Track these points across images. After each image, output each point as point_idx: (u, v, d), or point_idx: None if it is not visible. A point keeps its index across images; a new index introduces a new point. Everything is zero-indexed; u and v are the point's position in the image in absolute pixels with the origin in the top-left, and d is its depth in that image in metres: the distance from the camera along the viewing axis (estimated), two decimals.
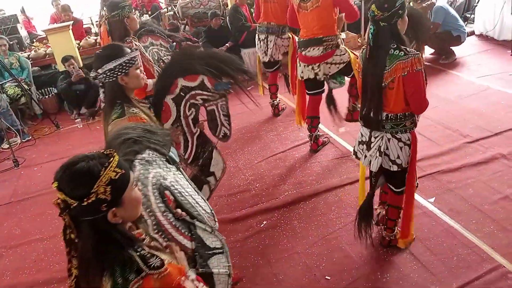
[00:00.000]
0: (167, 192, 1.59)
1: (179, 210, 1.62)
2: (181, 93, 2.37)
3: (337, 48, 3.68)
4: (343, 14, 3.70)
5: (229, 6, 6.79)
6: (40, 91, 6.40)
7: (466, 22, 6.78)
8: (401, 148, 2.46)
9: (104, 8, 3.78)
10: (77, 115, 6.12)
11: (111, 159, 1.23)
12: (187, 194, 1.66)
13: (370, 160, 2.55)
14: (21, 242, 3.56)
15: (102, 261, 1.22)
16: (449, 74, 5.54)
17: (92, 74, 2.13)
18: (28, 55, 6.58)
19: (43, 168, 4.83)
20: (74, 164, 1.21)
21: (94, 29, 7.87)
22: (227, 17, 6.50)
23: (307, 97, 4.06)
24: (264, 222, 3.28)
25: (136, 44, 3.10)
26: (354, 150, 2.72)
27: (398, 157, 2.47)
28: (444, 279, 2.54)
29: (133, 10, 3.31)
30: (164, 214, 1.57)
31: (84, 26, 7.81)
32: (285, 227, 3.20)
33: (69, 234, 1.21)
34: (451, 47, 5.90)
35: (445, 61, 5.88)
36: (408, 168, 2.53)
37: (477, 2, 6.73)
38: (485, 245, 2.74)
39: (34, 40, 7.38)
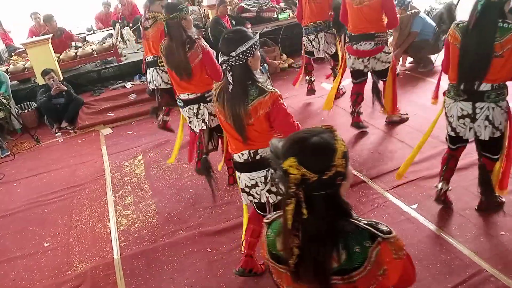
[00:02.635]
0: None
1: None
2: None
3: (385, 44, 4.04)
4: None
5: (210, 18, 6.83)
6: (19, 105, 6.31)
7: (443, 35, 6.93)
8: (502, 115, 2.70)
9: (150, 10, 4.20)
10: (57, 129, 6.04)
11: (335, 132, 1.23)
12: None
13: (476, 132, 2.75)
14: (0, 260, 3.47)
15: (336, 233, 1.21)
16: (427, 82, 5.64)
17: (221, 58, 2.17)
18: (6, 69, 6.48)
19: (22, 183, 4.74)
20: (307, 139, 1.20)
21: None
22: (209, 29, 6.53)
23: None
24: None
25: (205, 44, 3.30)
26: (451, 127, 2.88)
27: (501, 124, 2.71)
28: (428, 285, 2.56)
29: (189, 12, 3.50)
30: None
31: (79, 36, 7.77)
32: None
33: (298, 211, 1.18)
34: (429, 55, 6.03)
35: (423, 69, 6.00)
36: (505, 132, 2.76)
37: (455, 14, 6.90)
38: (468, 250, 2.77)
39: (13, 54, 7.28)
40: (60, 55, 6.70)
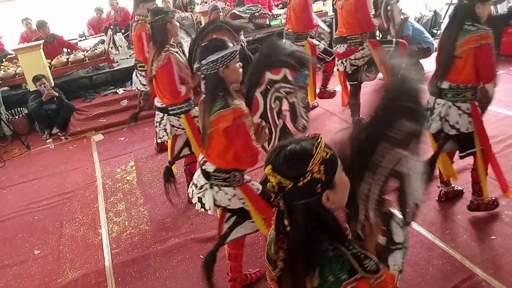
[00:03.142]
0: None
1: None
2: (268, 86, 2.45)
3: (360, 45, 4.09)
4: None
5: (203, 24, 6.84)
6: (10, 111, 6.24)
7: (433, 38, 7.01)
8: (460, 115, 2.78)
9: (137, 14, 4.18)
10: (48, 136, 5.99)
11: (319, 140, 1.20)
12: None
13: (431, 124, 2.90)
14: None
15: (313, 253, 1.17)
16: None
17: (196, 65, 2.19)
18: None
19: (13, 190, 4.68)
20: (285, 146, 1.19)
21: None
22: None
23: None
24: None
25: (173, 52, 3.22)
26: None
27: (457, 123, 2.79)
28: None
29: (176, 15, 3.46)
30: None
31: (72, 42, 7.74)
32: (264, 243, 3.18)
33: (282, 220, 1.18)
34: (420, 61, 6.09)
35: None
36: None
37: (443, 19, 6.99)
38: (459, 254, 2.79)
39: (4, 60, 7.23)
40: (52, 61, 6.66)
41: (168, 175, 3.37)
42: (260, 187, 2.48)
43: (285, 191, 1.16)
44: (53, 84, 6.30)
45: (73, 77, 6.98)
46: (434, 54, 5.96)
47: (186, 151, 3.57)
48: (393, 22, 4.32)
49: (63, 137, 5.97)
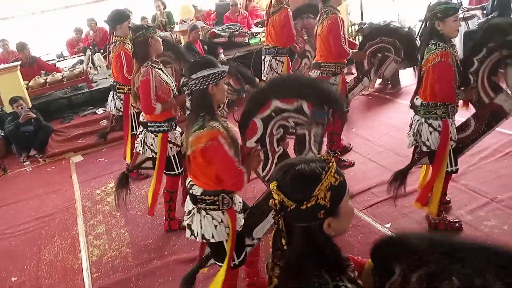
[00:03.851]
0: None
1: None
2: (273, 114, 2.39)
3: (333, 75, 3.96)
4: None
5: (183, 44, 6.87)
6: None
7: None
8: (430, 132, 2.85)
9: (115, 35, 4.15)
10: (26, 158, 5.87)
11: (330, 164, 1.15)
12: None
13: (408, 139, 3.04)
14: None
15: (302, 277, 1.12)
16: (396, 102, 5.82)
17: (183, 79, 2.13)
18: None
19: None
20: (295, 166, 1.14)
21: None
22: None
23: None
24: None
25: (155, 67, 3.22)
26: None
27: (428, 140, 2.87)
28: None
29: (157, 33, 3.44)
30: None
31: (50, 63, 7.66)
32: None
33: (280, 238, 1.16)
34: (399, 77, 6.24)
35: (392, 90, 6.19)
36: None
37: (417, 35, 7.17)
38: None
39: None
40: (29, 82, 6.58)
41: (122, 181, 3.35)
42: (242, 223, 2.39)
43: (287, 211, 1.13)
44: (30, 106, 6.22)
45: (51, 98, 6.90)
46: (407, 73, 6.21)
47: (148, 164, 3.53)
48: (378, 69, 4.23)
49: (41, 159, 5.87)
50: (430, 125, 2.84)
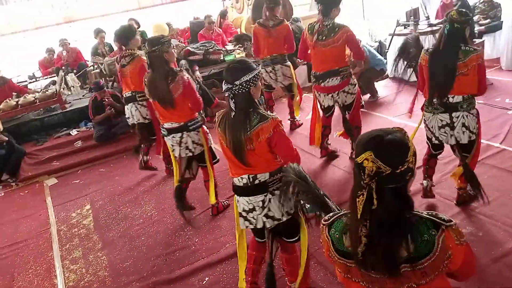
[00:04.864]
0: None
1: None
2: None
3: (350, 76, 4.22)
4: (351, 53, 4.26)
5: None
6: None
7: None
8: (474, 120, 3.14)
9: (127, 48, 4.43)
10: None
11: (407, 133, 1.38)
12: None
13: (456, 138, 3.17)
14: None
15: (404, 224, 1.33)
16: (371, 115, 5.90)
17: (225, 86, 2.27)
18: None
19: None
20: (383, 137, 1.33)
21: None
22: None
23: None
24: (206, 279, 3.19)
25: (186, 76, 3.47)
26: (434, 136, 3.28)
27: (474, 128, 3.15)
28: None
29: (172, 45, 3.63)
30: None
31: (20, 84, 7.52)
32: (228, 281, 3.13)
33: (370, 201, 1.31)
34: (375, 86, 6.39)
35: (372, 99, 6.30)
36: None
37: (388, 48, 7.37)
38: None
39: None
40: (0, 104, 6.43)
41: (180, 196, 3.69)
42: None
43: (382, 175, 1.29)
44: (1, 129, 6.06)
45: (23, 120, 6.76)
46: (381, 84, 6.36)
47: (188, 174, 3.80)
48: None
49: (13, 184, 5.70)
50: (472, 114, 3.13)
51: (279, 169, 2.41)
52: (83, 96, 7.39)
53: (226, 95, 2.31)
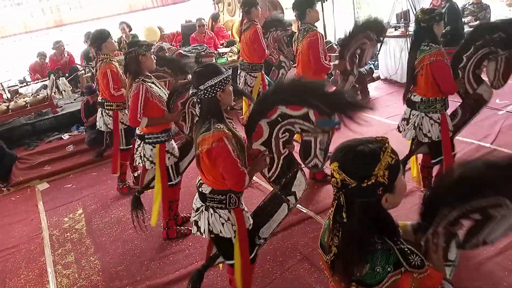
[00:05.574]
0: None
1: None
2: (279, 118, 2.40)
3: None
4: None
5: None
6: None
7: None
8: (432, 125, 3.13)
9: (102, 53, 4.32)
10: None
11: (386, 144, 1.27)
12: None
13: (407, 134, 3.29)
14: None
15: (365, 245, 1.26)
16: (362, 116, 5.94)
17: (192, 91, 2.23)
18: None
19: None
20: (355, 147, 1.27)
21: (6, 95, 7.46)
22: None
23: None
24: None
25: (148, 83, 3.33)
26: (398, 125, 3.46)
27: (429, 132, 3.14)
28: None
29: (151, 51, 3.52)
30: None
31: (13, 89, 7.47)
32: (222, 284, 3.13)
33: (340, 213, 1.28)
34: (367, 86, 6.46)
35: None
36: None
37: (379, 50, 7.42)
38: None
39: None
40: None
41: (136, 203, 3.45)
42: (251, 222, 2.48)
43: (348, 188, 1.25)
44: None
45: (14, 125, 6.69)
46: (373, 86, 6.40)
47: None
48: (360, 63, 4.36)
49: (4, 189, 5.64)
50: (430, 118, 3.14)
51: (223, 192, 2.32)
52: (74, 100, 7.35)
53: (194, 99, 2.27)
